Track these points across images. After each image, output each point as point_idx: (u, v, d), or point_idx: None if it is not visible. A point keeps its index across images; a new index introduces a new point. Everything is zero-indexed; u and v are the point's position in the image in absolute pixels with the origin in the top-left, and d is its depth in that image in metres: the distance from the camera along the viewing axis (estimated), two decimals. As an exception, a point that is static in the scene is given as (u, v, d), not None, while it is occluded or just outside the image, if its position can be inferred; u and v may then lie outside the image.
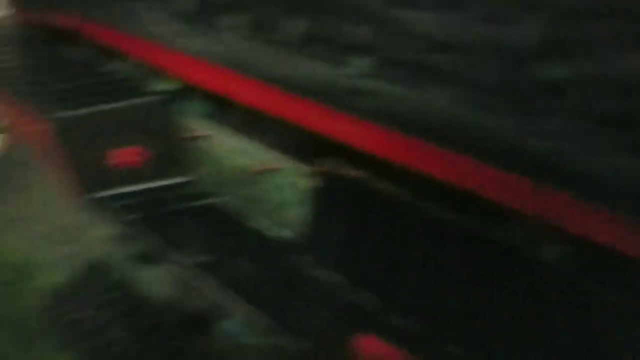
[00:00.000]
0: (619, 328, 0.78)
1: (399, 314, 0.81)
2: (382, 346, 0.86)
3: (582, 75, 0.68)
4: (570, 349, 0.80)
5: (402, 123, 0.87)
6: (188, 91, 1.44)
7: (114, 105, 1.29)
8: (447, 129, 0.82)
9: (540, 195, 0.81)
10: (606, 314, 0.80)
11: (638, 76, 0.62)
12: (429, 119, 0.83)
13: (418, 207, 0.98)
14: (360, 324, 0.87)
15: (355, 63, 0.91)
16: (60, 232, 2.98)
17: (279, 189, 1.18)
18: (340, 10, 0.88)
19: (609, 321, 0.80)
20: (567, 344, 0.80)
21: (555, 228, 0.86)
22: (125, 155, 1.34)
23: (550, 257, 0.87)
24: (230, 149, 1.27)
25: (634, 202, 0.70)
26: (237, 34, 1.07)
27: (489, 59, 0.78)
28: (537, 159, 0.74)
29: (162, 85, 1.42)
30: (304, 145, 1.19)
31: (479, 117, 0.78)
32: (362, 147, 0.99)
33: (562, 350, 0.82)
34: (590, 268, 0.86)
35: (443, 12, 0.78)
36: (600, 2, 0.64)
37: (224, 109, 1.41)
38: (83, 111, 1.29)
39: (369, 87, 0.88)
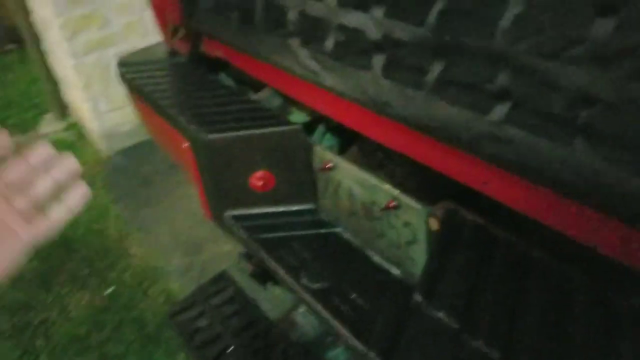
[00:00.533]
0: None
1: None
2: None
3: None
4: None
5: (541, 176, 0.86)
6: (321, 124, 1.51)
7: (254, 131, 1.39)
8: (591, 188, 0.79)
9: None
10: None
11: None
12: (571, 175, 0.81)
13: (544, 261, 0.95)
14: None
15: (496, 110, 0.92)
16: (187, 244, 3.21)
17: (400, 227, 1.20)
18: (481, 55, 0.89)
19: None
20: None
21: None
22: (259, 178, 1.43)
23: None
24: (354, 182, 1.31)
25: None
26: (379, 74, 1.11)
27: (637, 117, 0.75)
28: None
29: (298, 117, 1.51)
30: (429, 186, 1.20)
31: (626, 177, 0.75)
32: (493, 195, 0.99)
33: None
34: None
35: (591, 69, 0.77)
36: None
37: (352, 144, 1.47)
38: (226, 134, 1.41)
39: (509, 135, 0.88)
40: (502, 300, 0.86)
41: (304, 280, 1.30)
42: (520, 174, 0.91)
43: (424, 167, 1.13)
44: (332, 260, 1.36)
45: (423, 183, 1.31)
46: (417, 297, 0.89)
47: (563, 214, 0.89)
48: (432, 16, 0.96)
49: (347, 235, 1.39)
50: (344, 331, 1.18)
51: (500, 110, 0.90)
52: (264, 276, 1.60)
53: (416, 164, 1.15)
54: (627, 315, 0.83)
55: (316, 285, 1.28)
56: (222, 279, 1.69)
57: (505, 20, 0.85)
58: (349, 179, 1.34)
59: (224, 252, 2.86)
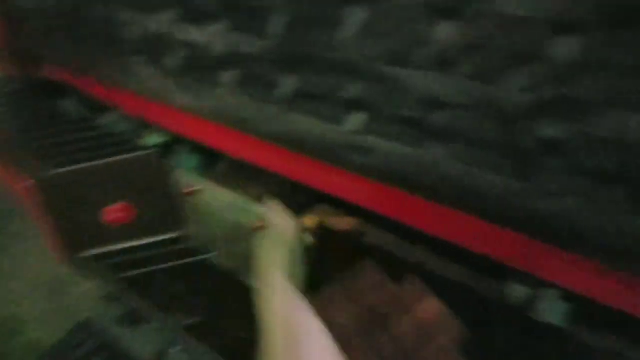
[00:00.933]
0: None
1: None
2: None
3: (580, 134, 0.66)
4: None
5: (400, 180, 0.85)
6: (179, 146, 1.42)
7: (104, 161, 1.27)
8: (446, 187, 0.80)
9: (542, 252, 0.79)
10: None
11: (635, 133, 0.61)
12: (428, 177, 0.81)
13: (414, 262, 0.96)
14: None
15: (350, 120, 0.90)
16: (46, 288, 2.91)
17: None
18: (333, 68, 0.87)
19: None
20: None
21: (555, 286, 0.84)
22: (115, 211, 1.31)
23: (550, 316, 0.85)
24: (222, 204, 1.24)
25: (635, 259, 0.68)
26: (232, 90, 1.06)
27: (485, 117, 0.77)
28: (539, 218, 0.72)
29: (153, 140, 1.40)
30: (297, 200, 1.17)
31: (477, 175, 0.76)
32: (357, 201, 0.98)
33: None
34: (592, 327, 0.84)
35: (437, 71, 0.77)
36: (596, 60, 0.64)
37: (215, 164, 1.40)
38: (72, 168, 1.27)
39: (365, 144, 0.87)
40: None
41: (178, 316, 1.20)
42: (382, 181, 0.90)
43: (294, 182, 1.10)
44: (206, 290, 1.28)
45: (294, 196, 1.27)
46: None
47: (427, 215, 0.89)
48: (276, 28, 0.92)
49: (220, 261, 1.32)
50: (224, 364, 1.11)
51: (354, 120, 0.88)
52: (133, 317, 1.48)
53: (287, 181, 1.11)
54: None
55: (191, 320, 1.19)
56: (87, 326, 1.54)
57: (349, 29, 0.83)
58: (217, 201, 1.27)
59: (90, 292, 2.63)
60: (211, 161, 1.46)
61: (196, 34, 1.08)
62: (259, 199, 1.21)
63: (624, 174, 0.68)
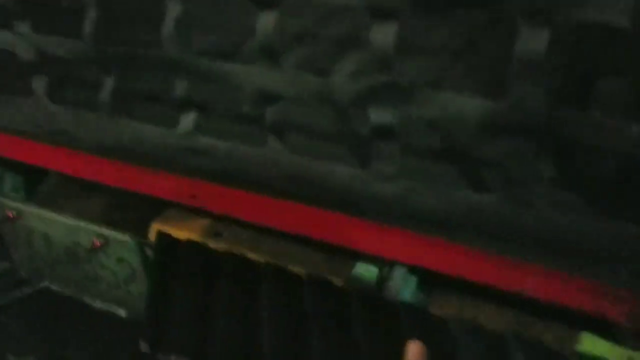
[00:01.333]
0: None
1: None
2: None
3: (410, 118, 0.68)
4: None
5: (241, 179, 0.82)
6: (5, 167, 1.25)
7: None
8: (285, 180, 0.78)
9: (386, 234, 0.81)
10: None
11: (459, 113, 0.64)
12: (269, 173, 0.79)
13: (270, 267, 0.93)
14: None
15: (182, 121, 0.85)
16: None
17: (113, 265, 1.06)
18: (156, 66, 0.81)
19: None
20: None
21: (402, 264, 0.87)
22: None
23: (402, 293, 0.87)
24: (51, 227, 1.11)
25: (475, 231, 0.72)
26: (43, 99, 0.95)
27: (319, 108, 0.76)
28: (379, 202, 0.73)
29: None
30: (132, 214, 1.08)
31: (317, 165, 0.76)
32: (205, 207, 0.93)
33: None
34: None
35: (265, 64, 0.75)
36: (414, 45, 0.66)
37: (39, 184, 1.25)
38: None
39: (201, 145, 0.82)
40: (236, 323, 0.80)
41: (11, 358, 1.06)
42: (224, 182, 0.86)
43: (129, 195, 1.01)
44: (45, 322, 1.15)
45: (129, 213, 1.17)
46: (144, 347, 0.78)
47: (274, 212, 0.87)
48: (89, 26, 0.84)
49: (55, 288, 1.19)
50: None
51: (187, 121, 0.83)
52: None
53: (121, 194, 1.02)
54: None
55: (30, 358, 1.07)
56: None
57: (169, 23, 0.77)
58: (42, 224, 1.13)
59: None
60: (35, 180, 1.31)
61: (-6, 38, 0.95)
62: (96, 215, 1.11)
63: (450, 152, 0.72)
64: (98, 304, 1.14)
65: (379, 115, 0.68)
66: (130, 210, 1.13)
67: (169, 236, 0.94)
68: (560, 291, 0.71)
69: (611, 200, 0.63)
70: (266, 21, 0.71)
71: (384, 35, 0.64)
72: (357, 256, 0.90)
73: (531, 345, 0.76)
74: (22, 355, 1.04)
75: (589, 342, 0.77)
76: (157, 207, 1.03)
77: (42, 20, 0.90)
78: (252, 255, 0.90)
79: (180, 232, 0.97)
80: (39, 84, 0.94)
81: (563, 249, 0.63)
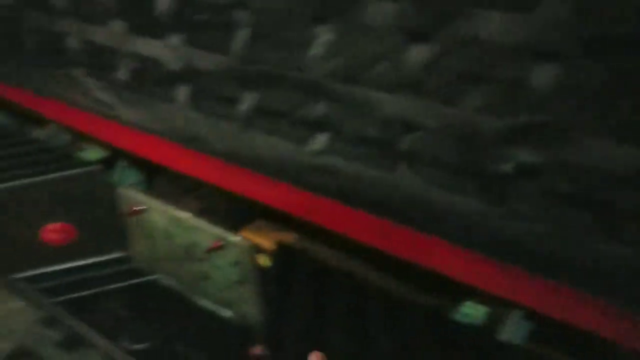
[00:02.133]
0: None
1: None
2: None
3: (554, 161, 0.68)
4: None
5: (365, 202, 0.84)
6: (123, 161, 1.36)
7: (42, 177, 1.19)
8: (414, 210, 0.80)
9: (508, 275, 0.80)
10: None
11: (613, 164, 0.63)
12: (394, 199, 0.81)
13: (379, 286, 0.94)
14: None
15: (313, 140, 0.88)
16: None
17: (224, 266, 1.11)
18: (298, 86, 0.85)
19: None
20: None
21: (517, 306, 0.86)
22: (54, 231, 1.23)
23: (513, 337, 0.86)
24: (172, 224, 1.19)
25: (601, 283, 0.70)
26: (184, 106, 1.02)
27: (455, 141, 0.78)
28: (506, 241, 0.73)
29: (93, 154, 1.33)
30: (251, 220, 1.14)
31: (446, 198, 0.77)
32: (319, 223, 0.96)
33: None
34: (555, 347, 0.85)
35: (410, 95, 0.77)
36: (572, 87, 0.66)
37: (163, 182, 1.34)
38: (8, 184, 1.18)
39: (329, 164, 0.86)
40: (350, 335, 0.82)
41: (124, 343, 1.14)
42: (345, 202, 0.89)
43: (248, 202, 1.06)
44: (154, 313, 1.22)
45: (247, 219, 1.23)
46: (262, 350, 0.82)
47: (392, 238, 0.89)
48: (237, 44, 0.90)
49: (167, 283, 1.26)
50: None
51: (319, 140, 0.87)
52: (74, 341, 1.38)
53: (240, 200, 1.08)
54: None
55: (139, 346, 1.13)
56: (21, 354, 1.42)
57: (317, 48, 0.82)
58: (164, 220, 1.21)
59: (27, 320, 2.46)
60: (149, 176, 1.40)
61: (147, 47, 1.03)
62: (212, 220, 1.17)
63: (591, 199, 0.71)
64: (206, 303, 1.20)
65: (523, 154, 0.68)
66: (218, 216, 1.18)
67: (287, 245, 0.99)
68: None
69: None
70: (417, 54, 0.73)
71: (542, 75, 0.64)
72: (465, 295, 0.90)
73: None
74: (137, 342, 1.11)
75: None
76: (244, 216, 1.08)
77: (194, 35, 0.97)
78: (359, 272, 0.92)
79: (266, 242, 1.01)
80: (182, 93, 1.02)
81: None
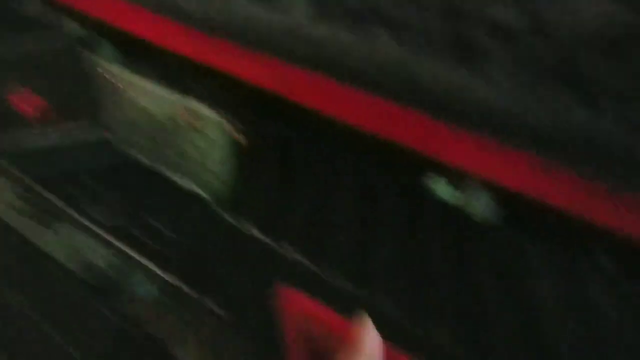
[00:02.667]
0: (548, 283, 0.77)
1: (327, 269, 0.77)
2: (309, 302, 0.82)
3: (530, 19, 0.65)
4: (498, 306, 0.79)
5: (343, 72, 0.81)
6: (102, 33, 1.30)
7: (17, 44, 1.15)
8: (390, 79, 0.77)
9: (476, 146, 0.79)
10: (533, 268, 0.79)
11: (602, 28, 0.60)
12: (372, 68, 0.78)
13: (347, 161, 0.93)
14: (287, 280, 0.82)
15: (294, 8, 0.84)
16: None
17: (203, 144, 1.09)
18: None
19: (536, 275, 0.78)
20: (495, 300, 0.79)
21: (488, 181, 0.85)
22: (29, 104, 1.20)
23: (480, 214, 0.86)
24: (147, 99, 1.16)
25: (577, 154, 0.69)
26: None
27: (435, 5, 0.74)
28: (480, 109, 0.71)
29: (73, 26, 1.27)
30: (230, 96, 1.11)
31: (425, 66, 0.74)
32: (296, 98, 0.93)
33: (489, 306, 0.80)
34: (523, 225, 0.85)
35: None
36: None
37: (141, 55, 1.29)
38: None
39: (309, 34, 0.82)
40: (316, 207, 0.82)
41: (98, 217, 1.14)
42: (321, 70, 0.86)
43: (228, 78, 1.03)
44: (131, 190, 1.22)
45: (227, 95, 1.20)
46: (226, 215, 0.82)
47: (373, 112, 0.87)
48: None
49: (143, 159, 1.25)
50: (151, 266, 1.08)
51: (299, 9, 0.82)
52: (47, 217, 1.39)
53: (220, 76, 1.04)
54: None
55: (113, 221, 1.14)
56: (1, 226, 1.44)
57: None
58: (143, 96, 1.18)
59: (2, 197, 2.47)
60: (134, 53, 1.35)
61: None
62: (191, 96, 1.14)
63: (568, 66, 0.68)
64: (185, 182, 1.19)
65: (502, 11, 0.64)
66: (199, 94, 1.14)
67: (261, 123, 0.97)
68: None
69: None
70: None
71: None
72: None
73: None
74: (110, 216, 1.11)
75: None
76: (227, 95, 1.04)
77: None
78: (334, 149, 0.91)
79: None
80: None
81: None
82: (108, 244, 1.14)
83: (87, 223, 1.17)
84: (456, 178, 0.88)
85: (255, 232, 0.78)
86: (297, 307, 0.85)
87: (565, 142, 0.66)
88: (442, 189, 0.90)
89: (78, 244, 1.24)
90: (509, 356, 0.70)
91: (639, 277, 0.68)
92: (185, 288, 1.03)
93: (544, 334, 0.68)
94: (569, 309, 0.68)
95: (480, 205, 0.88)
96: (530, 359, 0.65)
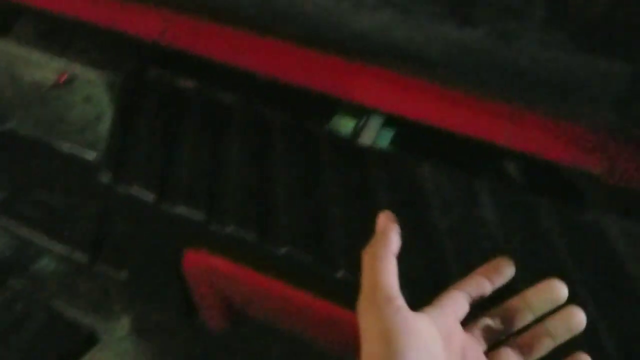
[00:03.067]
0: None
1: (228, 223, 0.73)
2: (213, 258, 0.79)
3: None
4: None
5: (211, 10, 0.76)
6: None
7: None
8: (256, 11, 0.72)
9: (362, 76, 0.77)
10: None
11: None
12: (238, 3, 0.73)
13: (232, 104, 0.88)
14: (187, 239, 0.79)
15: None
16: None
17: (77, 103, 1.01)
18: None
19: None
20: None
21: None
22: None
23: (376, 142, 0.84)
24: (16, 62, 1.05)
25: (453, 72, 0.68)
26: None
27: None
28: (355, 35, 0.68)
29: None
30: (103, 49, 1.02)
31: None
32: (174, 44, 0.87)
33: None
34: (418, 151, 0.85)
35: None
36: None
37: (13, 19, 1.17)
38: None
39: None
40: (201, 156, 0.78)
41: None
42: (196, 14, 0.80)
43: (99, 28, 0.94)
44: (11, 162, 1.12)
45: (103, 48, 1.11)
46: (105, 177, 0.76)
47: (246, 50, 0.82)
48: None
49: (22, 129, 1.15)
50: (44, 240, 1.01)
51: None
52: None
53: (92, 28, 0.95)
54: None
55: (-4, 196, 1.05)
56: None
57: None
58: (7, 60, 1.07)
59: None
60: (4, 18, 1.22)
61: None
62: (64, 53, 1.05)
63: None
64: (67, 147, 1.11)
65: None
66: (118, 54, 1.05)
67: (138, 72, 0.89)
68: (536, 139, 0.68)
69: (600, 39, 0.59)
70: None
71: None
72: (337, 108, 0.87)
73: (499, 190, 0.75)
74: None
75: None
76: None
77: None
78: (223, 95, 0.86)
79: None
80: None
81: (546, 88, 0.59)
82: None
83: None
84: (351, 111, 0.86)
85: (146, 195, 0.73)
86: (202, 264, 0.82)
87: (439, 60, 0.64)
88: (337, 123, 0.88)
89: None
90: (412, 277, 0.70)
91: (525, 194, 0.69)
92: (83, 258, 0.97)
93: (441, 253, 0.68)
94: (461, 227, 0.68)
95: (375, 135, 0.87)
96: (430, 279, 0.65)
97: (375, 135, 0.86)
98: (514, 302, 0.49)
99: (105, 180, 0.76)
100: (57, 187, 1.05)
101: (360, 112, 0.86)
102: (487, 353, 0.48)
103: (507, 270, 0.51)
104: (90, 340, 1.02)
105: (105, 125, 0.99)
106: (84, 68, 0.97)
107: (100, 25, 0.94)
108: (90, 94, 0.98)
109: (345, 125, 0.88)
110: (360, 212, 0.71)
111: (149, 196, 0.74)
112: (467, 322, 0.49)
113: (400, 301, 0.43)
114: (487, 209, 0.69)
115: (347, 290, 0.55)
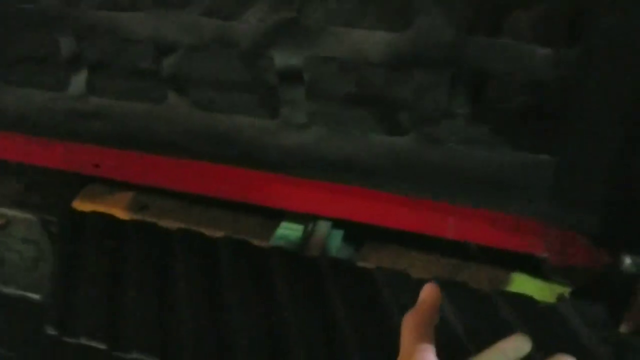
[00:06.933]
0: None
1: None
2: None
3: (317, 60, 0.63)
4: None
5: (140, 141, 0.75)
6: None
7: None
8: (189, 138, 0.72)
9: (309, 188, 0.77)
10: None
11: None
12: (169, 131, 0.73)
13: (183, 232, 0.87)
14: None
15: (73, 82, 0.76)
16: None
17: (16, 245, 0.97)
18: (34, 22, 0.72)
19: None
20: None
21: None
22: None
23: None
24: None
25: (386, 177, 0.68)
26: None
27: (224, 55, 0.71)
28: (291, 153, 0.69)
29: None
30: (52, 194, 1.00)
31: (221, 119, 0.70)
32: (101, 175, 0.86)
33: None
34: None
35: (159, 12, 0.67)
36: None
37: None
38: None
39: (92, 108, 0.75)
40: (148, 296, 0.75)
41: None
42: (125, 146, 0.79)
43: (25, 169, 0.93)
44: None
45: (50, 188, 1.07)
46: (50, 329, 0.72)
47: (185, 175, 0.82)
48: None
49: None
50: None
51: (78, 82, 0.75)
52: None
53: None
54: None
55: None
56: None
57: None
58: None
59: None
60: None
61: None
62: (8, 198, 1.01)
63: (363, 95, 0.68)
64: (10, 290, 1.06)
65: (283, 58, 0.62)
66: (49, 191, 1.03)
67: (74, 210, 0.87)
68: (487, 232, 0.69)
69: (521, 132, 0.61)
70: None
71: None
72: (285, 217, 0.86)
73: (460, 288, 0.75)
74: None
75: (519, 282, 0.77)
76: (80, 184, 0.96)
77: None
78: (166, 223, 0.84)
79: (103, 209, 0.90)
80: None
81: (474, 185, 0.60)
82: None
83: None
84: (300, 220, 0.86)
85: (92, 344, 0.69)
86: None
87: (372, 167, 0.65)
88: (289, 232, 0.87)
89: None
90: None
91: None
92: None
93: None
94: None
95: (326, 236, 0.86)
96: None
97: (325, 238, 0.85)
98: None
99: (50, 332, 0.72)
100: (3, 333, 0.99)
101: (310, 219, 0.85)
102: None
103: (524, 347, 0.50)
104: None
105: (46, 266, 0.95)
106: (19, 210, 0.94)
107: (29, 163, 0.93)
108: (27, 236, 0.95)
109: (295, 229, 0.87)
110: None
111: (99, 344, 0.70)
112: None
113: None
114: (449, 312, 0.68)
115: None
